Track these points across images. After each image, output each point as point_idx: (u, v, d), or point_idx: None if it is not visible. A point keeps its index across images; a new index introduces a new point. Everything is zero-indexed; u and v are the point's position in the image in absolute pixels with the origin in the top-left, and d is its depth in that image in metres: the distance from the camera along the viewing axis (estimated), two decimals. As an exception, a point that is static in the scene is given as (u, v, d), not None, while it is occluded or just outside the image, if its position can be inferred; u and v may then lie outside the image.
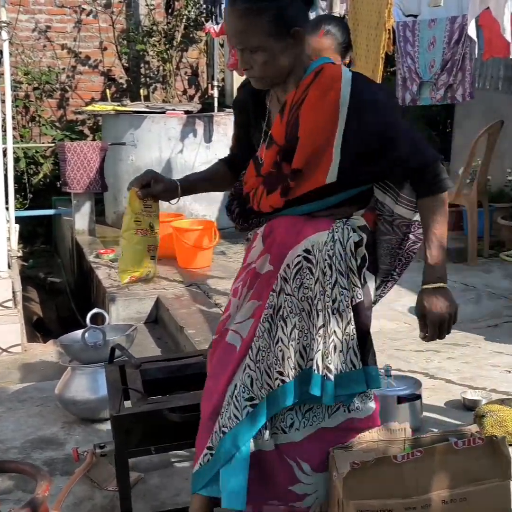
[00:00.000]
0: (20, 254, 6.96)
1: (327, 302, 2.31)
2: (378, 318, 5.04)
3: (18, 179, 8.04)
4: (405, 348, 4.54)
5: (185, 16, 9.30)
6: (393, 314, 5.17)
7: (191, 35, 9.59)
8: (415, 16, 6.13)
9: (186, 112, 7.64)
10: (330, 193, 2.37)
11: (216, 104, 7.95)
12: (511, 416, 3.29)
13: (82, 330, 3.68)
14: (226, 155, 2.76)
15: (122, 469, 2.74)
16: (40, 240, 9.16)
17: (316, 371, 2.30)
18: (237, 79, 8.58)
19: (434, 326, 2.37)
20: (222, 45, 8.80)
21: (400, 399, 3.41)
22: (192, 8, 9.21)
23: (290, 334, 2.32)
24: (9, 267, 5.93)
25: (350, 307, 2.33)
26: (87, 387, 3.60)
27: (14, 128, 7.39)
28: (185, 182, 2.61)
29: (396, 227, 2.48)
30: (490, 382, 3.99)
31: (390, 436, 2.56)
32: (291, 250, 2.34)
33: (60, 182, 7.51)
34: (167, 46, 9.26)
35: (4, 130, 6.31)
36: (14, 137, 7.05)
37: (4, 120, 6.39)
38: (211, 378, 2.44)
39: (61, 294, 8.04)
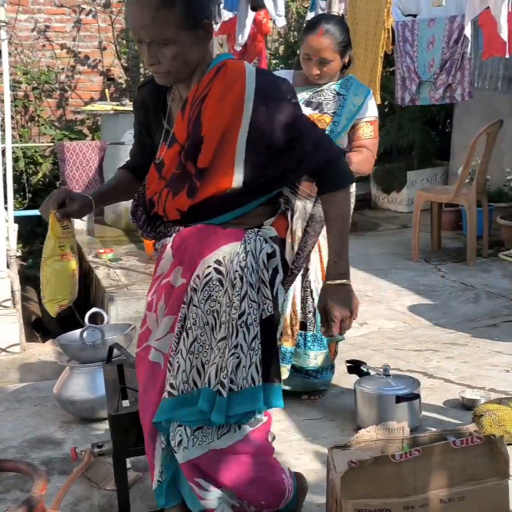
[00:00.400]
0: (19, 253, 6.95)
1: (234, 314, 2.22)
2: (377, 318, 5.07)
3: (17, 179, 8.03)
4: (404, 347, 4.54)
5: (184, 16, 9.30)
6: (392, 313, 5.17)
7: (190, 35, 9.58)
8: (414, 15, 6.14)
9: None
10: (238, 202, 2.30)
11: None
12: (510, 416, 3.29)
13: (80, 330, 3.67)
14: (127, 162, 2.63)
15: (120, 469, 2.74)
16: (39, 240, 9.13)
17: (207, 385, 2.22)
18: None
19: (335, 323, 2.36)
20: (221, 45, 8.79)
21: (399, 398, 3.41)
22: (191, 7, 9.20)
23: (190, 347, 2.24)
24: (8, 266, 5.92)
25: (258, 321, 2.26)
26: (85, 386, 3.60)
27: (13, 128, 7.39)
28: (97, 196, 2.47)
29: (287, 230, 2.49)
30: (489, 382, 3.99)
31: (388, 435, 2.57)
32: (202, 262, 2.27)
33: (59, 181, 7.49)
34: (166, 46, 9.26)
35: (3, 130, 6.30)
36: (13, 136, 7.04)
37: (3, 119, 6.38)
38: (142, 398, 2.41)
39: (60, 294, 8.02)
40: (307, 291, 3.69)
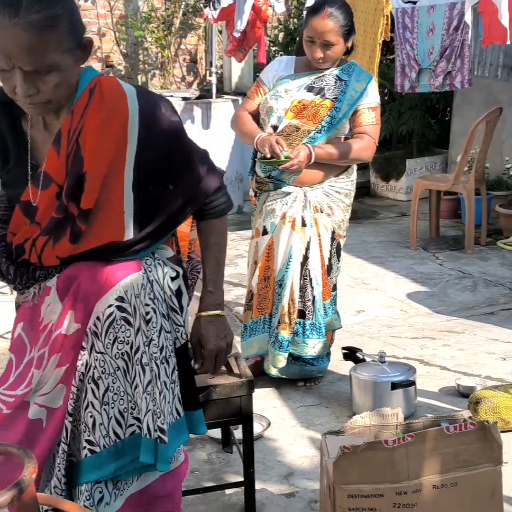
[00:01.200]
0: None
1: (155, 352, 2.02)
2: (374, 305, 5.07)
3: (15, 166, 8.02)
4: (401, 335, 4.54)
5: (183, 2, 9.26)
6: (389, 301, 5.17)
7: (189, 22, 9.54)
8: (414, 2, 6.11)
9: (184, 98, 7.61)
10: (130, 251, 2.03)
11: (214, 90, 7.92)
12: (505, 403, 3.30)
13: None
14: None
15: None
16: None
17: (147, 436, 2.01)
18: (236, 66, 8.54)
19: (211, 357, 2.23)
20: (220, 32, 8.76)
21: (394, 385, 3.42)
22: (191, -6, 9.17)
23: (103, 397, 2.00)
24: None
25: (173, 351, 2.09)
26: (81, 372, 3.60)
27: (11, 114, 7.37)
28: None
29: (177, 245, 2.32)
30: (485, 369, 3.99)
31: (382, 421, 2.57)
32: (100, 300, 1.99)
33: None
34: (165, 33, 9.22)
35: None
36: (11, 123, 7.03)
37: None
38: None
39: (59, 281, 8.03)
40: (306, 279, 3.68)
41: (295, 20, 9.67)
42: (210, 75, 8.55)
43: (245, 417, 2.76)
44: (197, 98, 7.83)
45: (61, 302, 2.00)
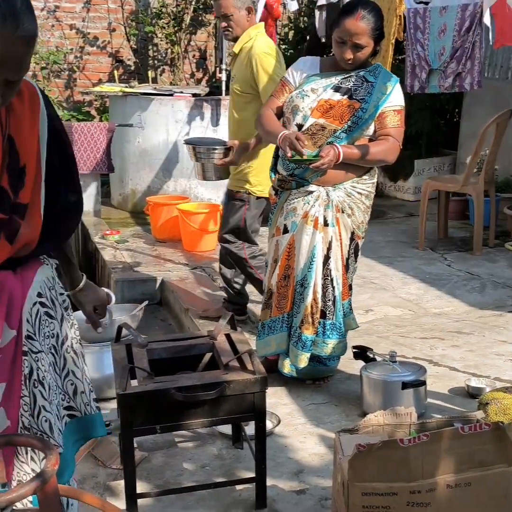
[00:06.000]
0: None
1: (77, 335, 2.13)
2: (382, 305, 5.08)
3: (24, 159, 8.01)
4: (410, 335, 4.54)
5: (194, -1, 9.27)
6: (398, 301, 5.17)
7: (199, 18, 9.55)
8: (426, 3, 6.11)
9: (194, 95, 7.62)
10: (40, 249, 2.04)
11: (223, 87, 7.92)
12: (515, 404, 3.30)
13: (88, 309, 3.67)
14: None
15: (127, 448, 2.75)
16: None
17: (92, 412, 2.14)
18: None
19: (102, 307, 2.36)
20: (231, 29, 8.76)
21: (405, 385, 3.42)
22: (201, -10, 9.17)
23: (50, 396, 1.98)
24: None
25: None
26: (93, 366, 3.61)
27: (21, 108, 7.37)
28: None
29: None
30: (494, 370, 4.00)
31: (396, 420, 2.58)
32: (25, 302, 1.97)
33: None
34: (175, 29, 9.22)
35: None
36: (21, 116, 7.03)
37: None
38: None
39: (65, 275, 8.02)
40: (328, 279, 3.68)
41: (306, 18, 9.66)
42: (220, 72, 8.55)
43: (258, 413, 2.78)
44: (207, 94, 7.83)
45: None
